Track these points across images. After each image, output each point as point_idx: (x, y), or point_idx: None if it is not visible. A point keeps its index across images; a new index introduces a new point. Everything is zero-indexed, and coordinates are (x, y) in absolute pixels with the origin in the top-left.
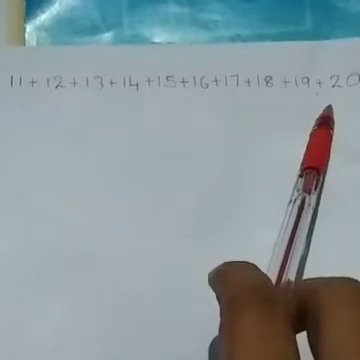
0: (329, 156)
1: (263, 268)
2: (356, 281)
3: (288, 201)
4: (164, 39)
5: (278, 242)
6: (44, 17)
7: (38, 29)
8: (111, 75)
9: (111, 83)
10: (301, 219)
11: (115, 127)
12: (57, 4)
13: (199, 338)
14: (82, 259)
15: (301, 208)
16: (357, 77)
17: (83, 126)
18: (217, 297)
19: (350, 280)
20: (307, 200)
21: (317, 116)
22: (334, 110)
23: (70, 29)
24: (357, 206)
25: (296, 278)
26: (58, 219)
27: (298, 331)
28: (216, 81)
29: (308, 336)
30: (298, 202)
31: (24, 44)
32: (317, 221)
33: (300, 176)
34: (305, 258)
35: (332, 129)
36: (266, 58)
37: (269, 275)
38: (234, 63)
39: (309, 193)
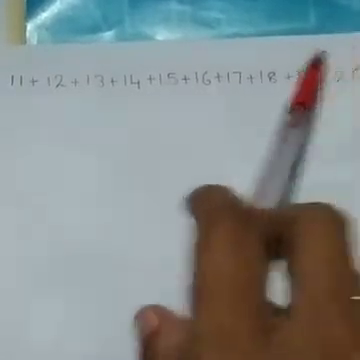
0: (319, 95)
1: None
2: (334, 209)
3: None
4: (166, 37)
5: (260, 175)
6: (45, 16)
7: (39, 28)
8: (112, 73)
9: (112, 81)
10: (284, 152)
11: (116, 125)
12: (58, 2)
13: None
14: (82, 258)
15: (285, 142)
16: None
17: (84, 124)
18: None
19: (328, 208)
20: (292, 134)
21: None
22: (338, 104)
23: (71, 28)
24: None
25: None
26: (58, 218)
27: (270, 258)
28: (218, 77)
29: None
30: (282, 136)
31: (25, 43)
32: None
33: (288, 112)
34: (292, 194)
35: (321, 65)
36: (269, 53)
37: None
38: (236, 59)
39: (295, 126)
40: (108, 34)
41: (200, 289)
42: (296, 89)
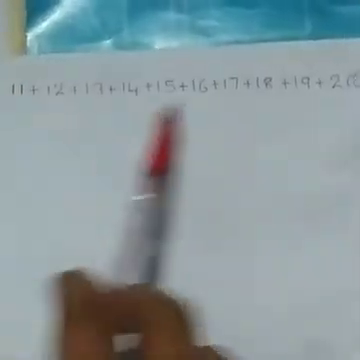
0: (176, 151)
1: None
2: (178, 305)
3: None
4: (164, 46)
5: (124, 245)
6: (45, 25)
7: (39, 37)
8: (110, 81)
9: (111, 89)
10: (142, 222)
11: (115, 133)
12: (58, 12)
13: None
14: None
15: (147, 210)
16: (358, 77)
17: (84, 132)
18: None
19: (173, 304)
20: (153, 201)
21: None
22: (334, 110)
23: (71, 37)
24: None
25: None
26: (58, 226)
27: (128, 332)
28: (215, 84)
29: None
30: (144, 203)
31: (26, 52)
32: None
33: (147, 176)
34: (158, 260)
35: (176, 122)
36: (265, 59)
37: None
38: (233, 65)
39: (157, 193)
40: (107, 43)
41: None
42: (151, 151)
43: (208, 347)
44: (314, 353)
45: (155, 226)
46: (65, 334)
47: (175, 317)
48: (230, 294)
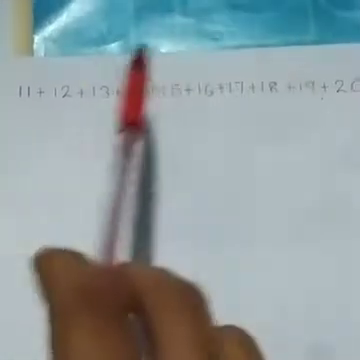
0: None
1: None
2: (184, 283)
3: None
4: (170, 50)
5: (104, 215)
6: (52, 28)
7: (46, 40)
8: (117, 84)
9: (117, 92)
10: (124, 186)
11: None
12: (65, 15)
13: None
14: None
15: (123, 175)
16: None
17: (90, 135)
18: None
19: (179, 283)
20: (128, 165)
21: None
22: (338, 115)
23: (77, 40)
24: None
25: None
26: (65, 226)
27: (138, 312)
28: (220, 88)
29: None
30: (119, 169)
31: (32, 55)
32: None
33: (120, 131)
34: (145, 227)
35: (145, 70)
36: (270, 64)
37: (100, 254)
38: (238, 70)
39: (129, 156)
40: (113, 46)
41: None
42: (123, 103)
43: (228, 326)
44: (314, 353)
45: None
46: (60, 334)
47: (184, 296)
48: (230, 294)
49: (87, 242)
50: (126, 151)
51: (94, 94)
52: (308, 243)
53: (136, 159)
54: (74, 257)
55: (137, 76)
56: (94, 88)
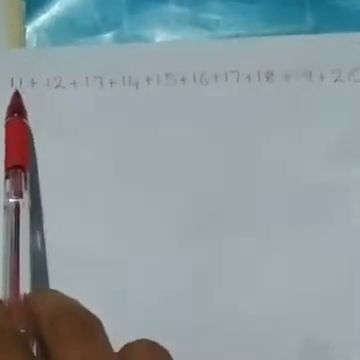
0: (31, 147)
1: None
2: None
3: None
4: (164, 39)
5: (4, 254)
6: (44, 18)
7: (38, 30)
8: (111, 75)
9: (111, 83)
10: (21, 225)
11: (115, 126)
12: (57, 5)
13: (199, 337)
14: (80, 259)
15: (17, 214)
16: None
17: (83, 126)
18: None
19: (74, 313)
20: (21, 203)
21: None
22: (335, 105)
23: (70, 30)
24: None
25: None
26: (56, 218)
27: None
28: (216, 77)
29: None
30: (12, 208)
31: (24, 45)
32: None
33: (6, 178)
34: (42, 255)
35: (26, 118)
36: (267, 53)
37: (5, 290)
38: (234, 59)
39: (21, 196)
40: (107, 36)
41: None
42: (8, 148)
43: (138, 340)
44: (314, 353)
45: (28, 227)
46: None
47: (76, 329)
48: (230, 294)
49: None
50: (16, 192)
51: (87, 84)
52: (307, 231)
53: (27, 198)
54: None
55: (16, 122)
56: (87, 78)
